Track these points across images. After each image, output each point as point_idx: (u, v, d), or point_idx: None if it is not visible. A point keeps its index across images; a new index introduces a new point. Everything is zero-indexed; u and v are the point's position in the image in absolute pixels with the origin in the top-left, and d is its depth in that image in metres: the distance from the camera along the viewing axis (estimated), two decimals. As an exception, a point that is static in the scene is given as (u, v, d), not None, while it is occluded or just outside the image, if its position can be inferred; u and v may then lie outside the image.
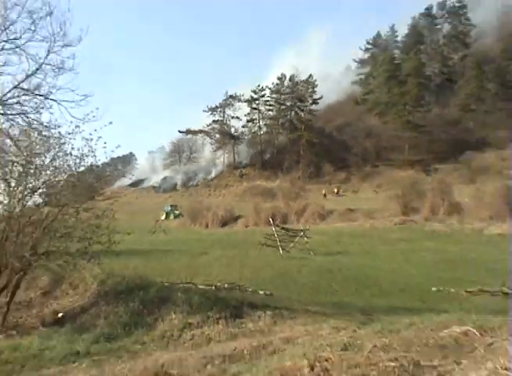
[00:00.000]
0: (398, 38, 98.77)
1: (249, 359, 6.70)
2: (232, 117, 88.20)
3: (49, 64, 10.10)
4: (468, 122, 69.23)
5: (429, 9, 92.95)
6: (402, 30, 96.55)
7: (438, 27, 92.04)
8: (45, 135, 10.84)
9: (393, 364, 3.92)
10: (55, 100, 10.27)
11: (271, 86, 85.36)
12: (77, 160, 11.12)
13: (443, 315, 5.35)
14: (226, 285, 12.09)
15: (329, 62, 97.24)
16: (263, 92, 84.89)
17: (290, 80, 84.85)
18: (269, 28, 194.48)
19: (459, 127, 69.38)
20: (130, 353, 8.31)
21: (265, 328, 9.07)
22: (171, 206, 56.37)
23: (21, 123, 10.28)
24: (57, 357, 8.31)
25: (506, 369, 3.18)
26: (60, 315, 10.68)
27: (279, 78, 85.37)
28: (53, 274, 12.29)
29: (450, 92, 76.15)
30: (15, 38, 9.68)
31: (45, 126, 10.52)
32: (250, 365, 5.98)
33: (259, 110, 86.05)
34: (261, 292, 11.73)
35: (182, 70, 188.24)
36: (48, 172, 11.20)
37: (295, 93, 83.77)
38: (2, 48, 9.66)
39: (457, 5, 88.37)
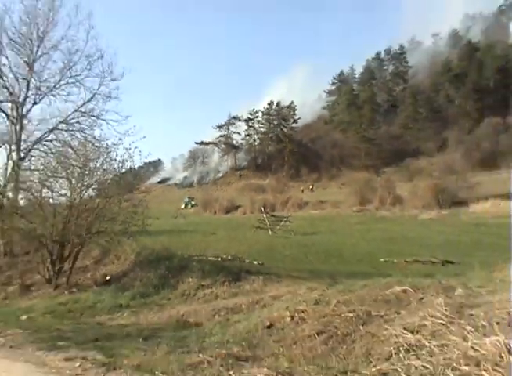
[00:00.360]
0: (356, 75, 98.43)
1: (246, 311, 6.75)
2: (234, 133, 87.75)
3: (100, 94, 10.22)
4: (407, 137, 69.46)
5: (378, 54, 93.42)
6: (359, 69, 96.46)
7: (385, 67, 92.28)
8: (96, 146, 10.94)
9: (351, 314, 3.98)
10: (104, 120, 10.36)
11: (263, 109, 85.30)
12: (120, 164, 11.22)
13: (388, 278, 5.38)
14: (229, 257, 12.12)
15: (305, 92, 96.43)
16: (257, 114, 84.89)
17: (277, 105, 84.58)
18: (262, 64, 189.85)
19: (401, 140, 69.66)
20: (159, 306, 8.36)
21: (258, 289, 9.11)
22: (189, 198, 55.70)
23: (79, 137, 10.37)
24: (106, 308, 8.37)
25: (432, 316, 3.23)
26: (108, 277, 10.70)
27: (268, 104, 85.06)
28: (102, 248, 12.27)
29: (394, 114, 76.28)
30: (76, 75, 9.84)
31: (97, 139, 10.61)
32: (247, 315, 6.06)
33: (254, 127, 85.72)
34: (255, 262, 11.75)
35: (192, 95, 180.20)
36: (98, 173, 11.27)
37: (280, 115, 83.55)
38: (67, 83, 9.78)
39: (399, 51, 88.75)
